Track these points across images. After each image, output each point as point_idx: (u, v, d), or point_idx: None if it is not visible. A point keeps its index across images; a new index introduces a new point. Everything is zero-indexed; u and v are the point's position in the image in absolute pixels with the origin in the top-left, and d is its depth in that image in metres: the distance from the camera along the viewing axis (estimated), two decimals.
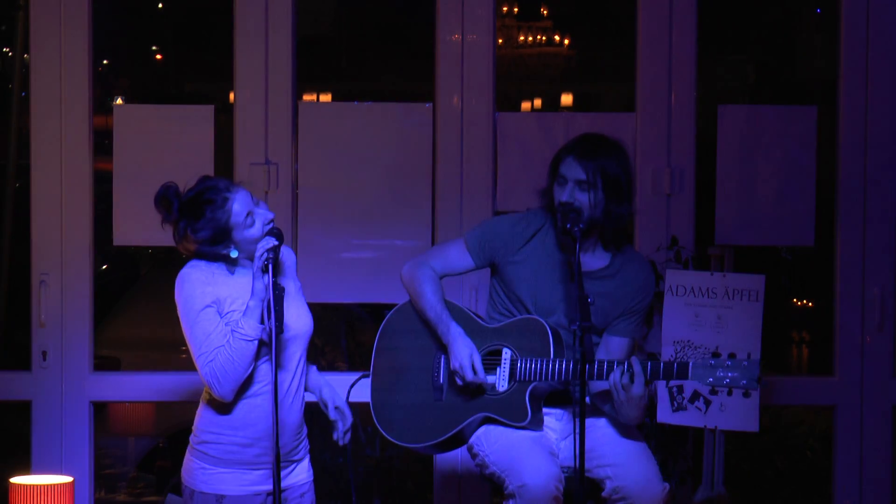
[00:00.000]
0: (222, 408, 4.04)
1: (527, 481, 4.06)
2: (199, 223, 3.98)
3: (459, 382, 4.27)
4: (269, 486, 4.04)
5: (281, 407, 3.98)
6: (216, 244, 4.00)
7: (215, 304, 4.00)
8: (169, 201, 4.00)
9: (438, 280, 4.42)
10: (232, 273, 4.05)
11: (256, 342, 3.95)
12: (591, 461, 4.17)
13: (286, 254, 4.19)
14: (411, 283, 4.43)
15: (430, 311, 4.36)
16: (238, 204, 3.99)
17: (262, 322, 3.96)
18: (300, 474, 4.16)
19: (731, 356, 4.11)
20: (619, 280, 4.34)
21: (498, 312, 4.42)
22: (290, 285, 4.14)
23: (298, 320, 4.10)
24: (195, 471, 4.05)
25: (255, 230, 4.01)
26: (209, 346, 3.97)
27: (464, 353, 4.26)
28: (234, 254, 4.01)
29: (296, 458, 4.14)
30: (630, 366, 4.11)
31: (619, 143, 4.31)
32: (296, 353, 4.11)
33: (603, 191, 4.22)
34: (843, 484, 5.51)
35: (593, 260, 4.34)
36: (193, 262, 4.07)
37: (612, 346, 4.34)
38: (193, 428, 4.11)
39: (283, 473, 4.02)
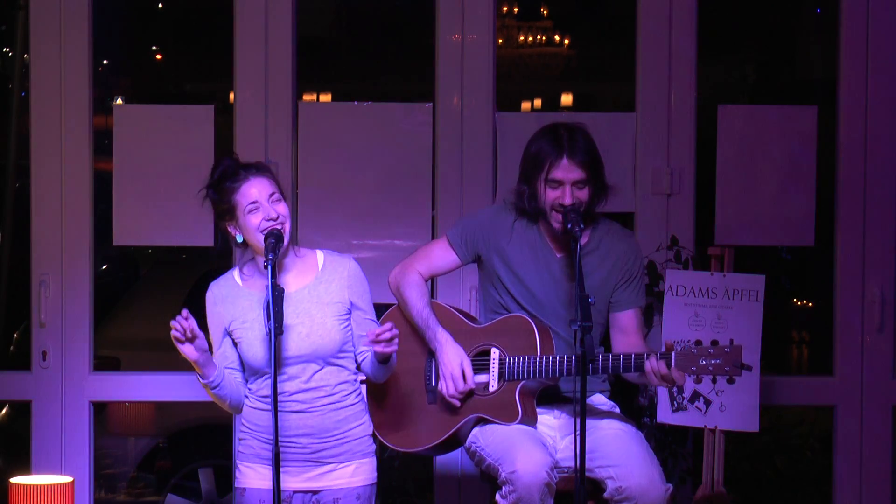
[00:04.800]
0: (247, 410, 4.16)
1: (518, 468, 4.06)
2: (213, 177, 4.08)
3: (448, 391, 4.27)
4: (293, 486, 4.08)
5: (308, 412, 4.06)
6: (223, 213, 4.07)
7: (223, 325, 4.12)
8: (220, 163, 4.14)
9: (424, 284, 4.43)
10: (242, 290, 4.11)
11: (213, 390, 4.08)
12: (593, 461, 4.16)
13: (337, 265, 4.17)
14: (397, 289, 4.46)
15: (416, 317, 4.38)
16: (249, 187, 4.05)
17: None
18: (339, 479, 4.13)
19: (714, 343, 4.10)
20: (602, 251, 4.36)
21: (490, 308, 4.42)
22: (337, 296, 4.13)
23: (308, 338, 4.07)
24: (236, 466, 4.20)
25: (255, 220, 4.04)
26: None
27: (454, 361, 4.26)
28: (239, 238, 4.08)
29: (328, 460, 4.11)
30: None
31: (580, 123, 4.36)
32: (311, 369, 4.09)
33: (595, 178, 4.27)
34: (843, 484, 5.52)
35: None
36: (218, 280, 4.17)
37: (621, 322, 4.36)
38: None
39: (315, 474, 4.08)
